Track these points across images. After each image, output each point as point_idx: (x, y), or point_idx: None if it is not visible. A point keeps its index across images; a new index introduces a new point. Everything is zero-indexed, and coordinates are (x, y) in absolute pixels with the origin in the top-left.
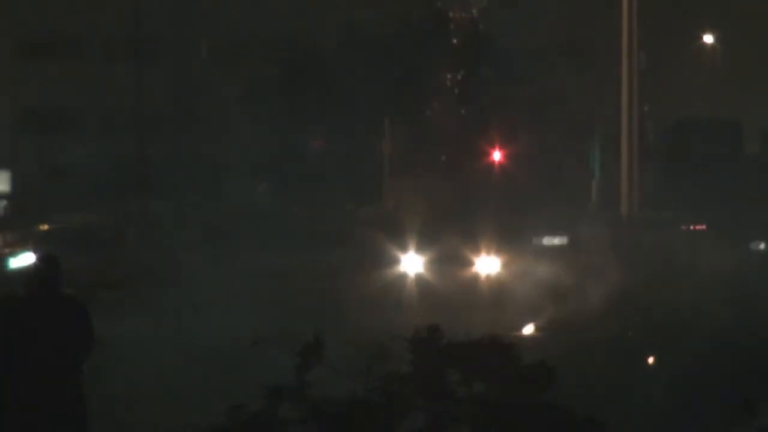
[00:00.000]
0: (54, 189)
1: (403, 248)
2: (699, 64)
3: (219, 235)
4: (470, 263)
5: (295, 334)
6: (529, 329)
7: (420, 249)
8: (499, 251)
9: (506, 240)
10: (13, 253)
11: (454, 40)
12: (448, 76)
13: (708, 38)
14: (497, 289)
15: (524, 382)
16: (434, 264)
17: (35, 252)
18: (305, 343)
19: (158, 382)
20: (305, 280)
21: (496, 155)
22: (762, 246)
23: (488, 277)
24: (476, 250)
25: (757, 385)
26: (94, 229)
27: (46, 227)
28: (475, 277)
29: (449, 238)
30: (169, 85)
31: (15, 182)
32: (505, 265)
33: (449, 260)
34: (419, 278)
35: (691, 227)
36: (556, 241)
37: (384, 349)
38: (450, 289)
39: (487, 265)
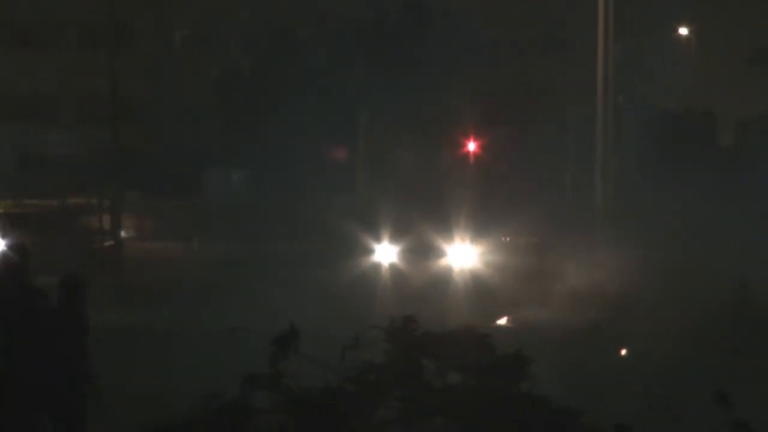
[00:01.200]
0: (27, 176)
1: (377, 238)
2: (674, 56)
3: (194, 224)
4: (444, 254)
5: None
6: (503, 320)
7: (394, 239)
8: (473, 243)
9: (480, 232)
10: None
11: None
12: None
13: (683, 30)
14: (471, 280)
15: (499, 371)
16: (408, 254)
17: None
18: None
19: (132, 370)
20: (278, 269)
21: (471, 145)
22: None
23: (462, 268)
24: (450, 241)
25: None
26: (46, 215)
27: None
28: (449, 268)
29: (424, 229)
30: (144, 73)
31: None
32: (479, 257)
33: (423, 251)
34: (393, 268)
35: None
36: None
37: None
38: (423, 280)
39: (461, 256)
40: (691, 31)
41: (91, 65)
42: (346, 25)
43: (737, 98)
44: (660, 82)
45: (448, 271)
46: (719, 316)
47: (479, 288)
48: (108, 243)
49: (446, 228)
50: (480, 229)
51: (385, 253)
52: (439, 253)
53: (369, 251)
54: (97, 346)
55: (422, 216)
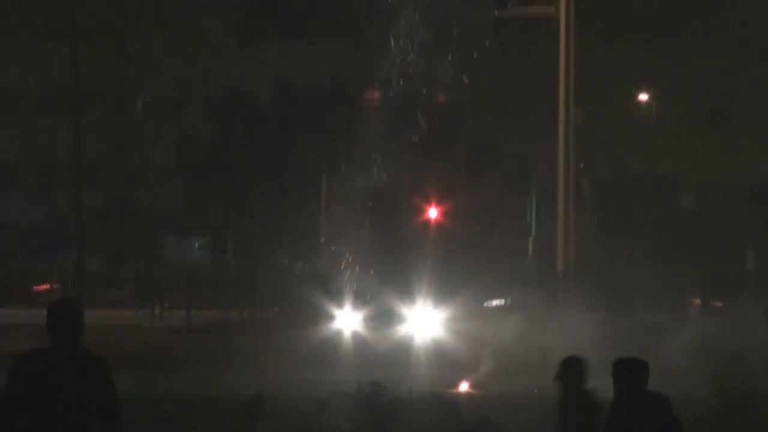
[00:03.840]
0: None
1: (340, 305)
2: (635, 122)
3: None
4: (406, 320)
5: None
6: (465, 386)
7: (356, 305)
8: (435, 308)
9: (442, 298)
10: None
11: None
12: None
13: (643, 96)
14: (433, 346)
15: None
16: (371, 321)
17: None
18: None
19: None
20: (241, 336)
21: (432, 212)
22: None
23: (425, 334)
24: (412, 308)
25: None
26: None
27: None
28: (412, 334)
29: (386, 295)
30: (106, 139)
31: None
32: (442, 322)
33: (385, 317)
34: (355, 335)
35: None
36: (494, 302)
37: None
38: (386, 346)
39: (423, 321)
40: (651, 97)
41: (52, 132)
42: (305, 91)
43: (698, 161)
44: (621, 147)
45: (411, 337)
46: (689, 380)
47: (441, 354)
48: None
49: (408, 294)
50: (442, 294)
51: (348, 319)
52: (402, 319)
53: (331, 318)
54: None
55: (384, 282)
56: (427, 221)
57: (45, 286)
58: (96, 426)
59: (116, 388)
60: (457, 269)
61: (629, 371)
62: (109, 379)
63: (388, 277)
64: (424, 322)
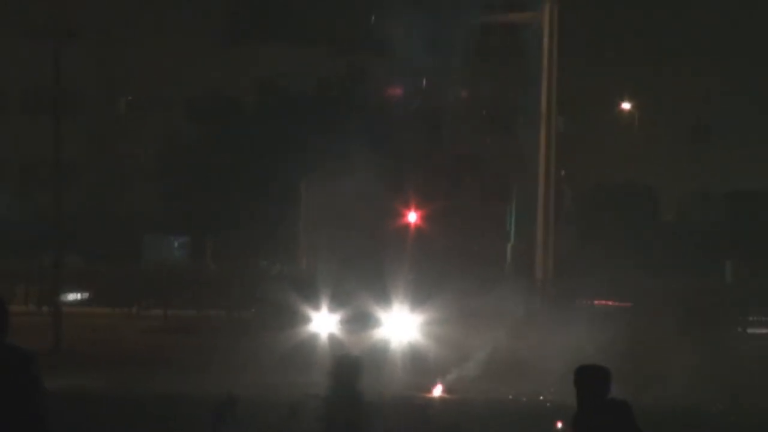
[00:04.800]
0: None
1: (316, 307)
2: (617, 132)
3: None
4: (382, 323)
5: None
6: (439, 390)
7: (333, 308)
8: (411, 312)
9: (419, 302)
10: None
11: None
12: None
13: (626, 106)
14: (409, 349)
15: None
16: (347, 323)
17: None
18: (219, 399)
19: None
20: (217, 337)
21: (412, 217)
22: None
23: (401, 337)
24: (389, 311)
25: None
26: None
27: None
28: (387, 338)
29: (362, 299)
30: (88, 139)
31: None
32: (418, 327)
33: (362, 320)
34: (331, 338)
35: None
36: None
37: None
38: (361, 348)
39: (400, 325)
40: (633, 106)
41: (34, 130)
42: (288, 93)
43: (679, 172)
44: (602, 156)
45: (387, 340)
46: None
47: (417, 358)
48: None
49: (385, 297)
50: (419, 298)
51: (324, 322)
52: (378, 323)
53: (308, 320)
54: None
55: (362, 285)
56: (407, 225)
57: None
58: (21, 419)
59: (41, 381)
60: (434, 274)
61: (591, 378)
62: (31, 371)
63: (365, 281)
64: (401, 325)
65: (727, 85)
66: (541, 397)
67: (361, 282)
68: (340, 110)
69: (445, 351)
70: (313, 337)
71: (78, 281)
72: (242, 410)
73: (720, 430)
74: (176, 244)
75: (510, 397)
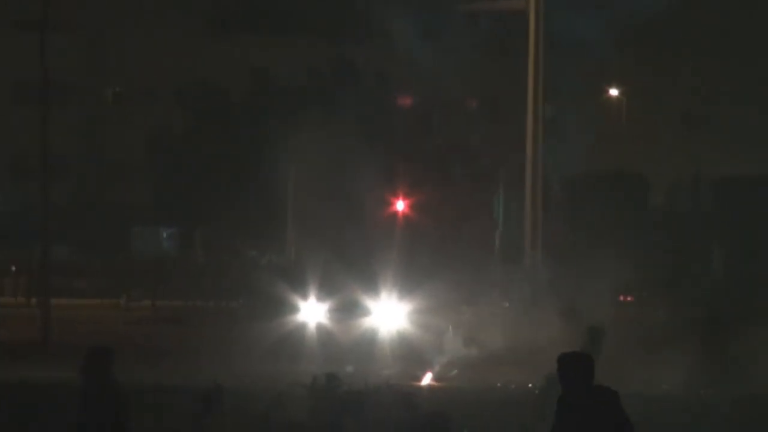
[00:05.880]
0: None
1: (305, 297)
2: (606, 118)
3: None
4: (371, 312)
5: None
6: (427, 378)
7: (321, 297)
8: (400, 301)
9: (407, 291)
10: None
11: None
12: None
13: (614, 92)
14: (398, 338)
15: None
16: (335, 313)
17: None
18: (206, 389)
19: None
20: (205, 327)
21: (400, 205)
22: None
23: (389, 326)
24: (378, 300)
25: None
26: None
27: None
28: (376, 327)
29: (351, 288)
30: (77, 130)
31: None
32: (406, 315)
33: (350, 309)
34: (320, 326)
35: None
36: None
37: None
38: (350, 338)
39: (388, 314)
40: (622, 93)
41: (25, 122)
42: (277, 83)
43: (668, 159)
44: (591, 143)
45: (375, 329)
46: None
47: (405, 346)
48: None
49: (374, 286)
50: (408, 287)
51: (312, 311)
52: (366, 312)
53: (296, 309)
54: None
55: (350, 274)
56: (395, 214)
57: None
58: None
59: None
60: (423, 262)
61: (573, 365)
62: None
63: (353, 269)
64: (389, 314)
65: (718, 72)
66: (530, 385)
67: (349, 271)
68: (330, 100)
69: (434, 339)
70: (302, 326)
71: (66, 273)
72: (228, 399)
73: (707, 416)
74: (165, 235)
75: (498, 384)
